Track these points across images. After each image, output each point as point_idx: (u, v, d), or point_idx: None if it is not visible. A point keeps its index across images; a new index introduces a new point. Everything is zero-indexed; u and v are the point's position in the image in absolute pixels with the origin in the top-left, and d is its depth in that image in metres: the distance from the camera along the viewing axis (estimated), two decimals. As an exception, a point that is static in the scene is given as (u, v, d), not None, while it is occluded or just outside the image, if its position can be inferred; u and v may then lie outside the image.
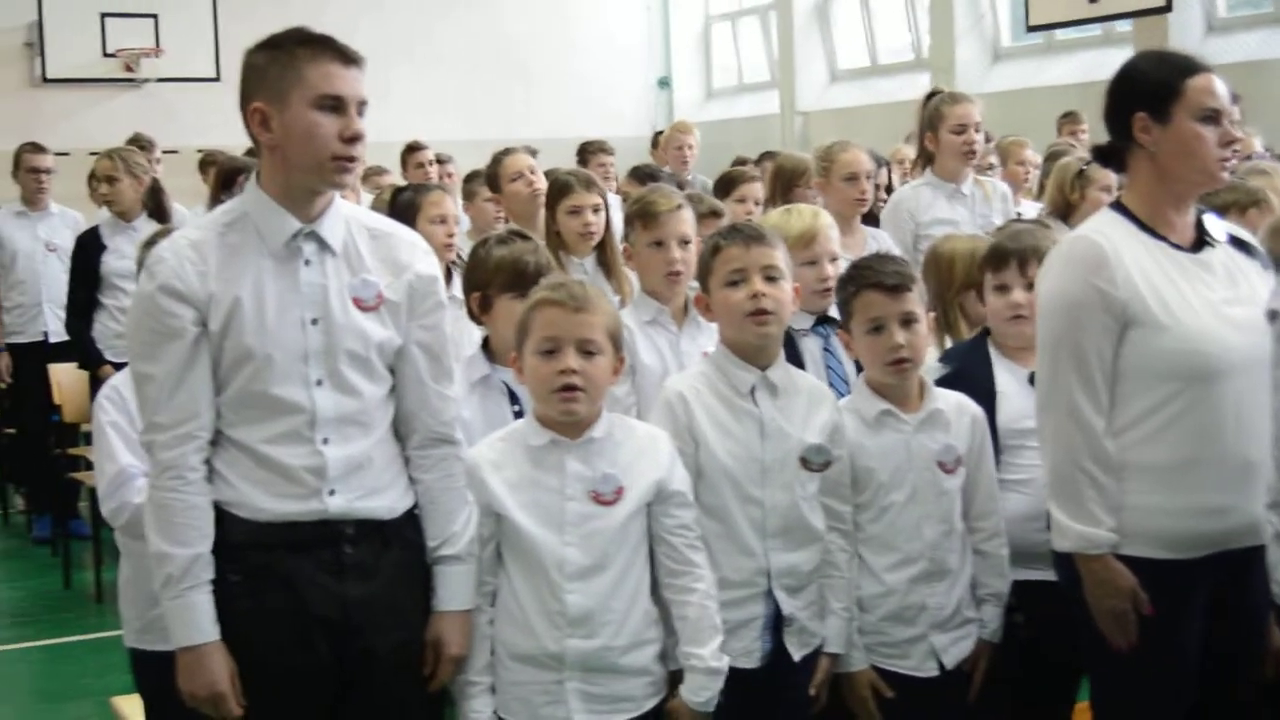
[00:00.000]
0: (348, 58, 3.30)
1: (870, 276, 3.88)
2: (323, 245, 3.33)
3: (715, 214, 5.37)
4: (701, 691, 3.49)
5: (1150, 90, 3.62)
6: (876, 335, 3.84)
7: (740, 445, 3.68)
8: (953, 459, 3.86)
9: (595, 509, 3.47)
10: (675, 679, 3.55)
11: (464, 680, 3.49)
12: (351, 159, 3.29)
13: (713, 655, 3.49)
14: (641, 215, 4.57)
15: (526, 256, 4.14)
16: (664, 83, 18.22)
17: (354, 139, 3.27)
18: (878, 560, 3.84)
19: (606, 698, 3.46)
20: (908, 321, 3.84)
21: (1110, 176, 5.99)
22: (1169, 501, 3.57)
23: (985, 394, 4.02)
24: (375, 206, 6.09)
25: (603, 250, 5.80)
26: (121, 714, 4.64)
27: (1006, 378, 4.08)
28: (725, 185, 6.81)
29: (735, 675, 3.58)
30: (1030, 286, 4.03)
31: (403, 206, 5.84)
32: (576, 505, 3.46)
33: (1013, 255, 4.15)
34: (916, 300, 3.88)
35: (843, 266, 4.28)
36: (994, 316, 4.17)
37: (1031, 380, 3.90)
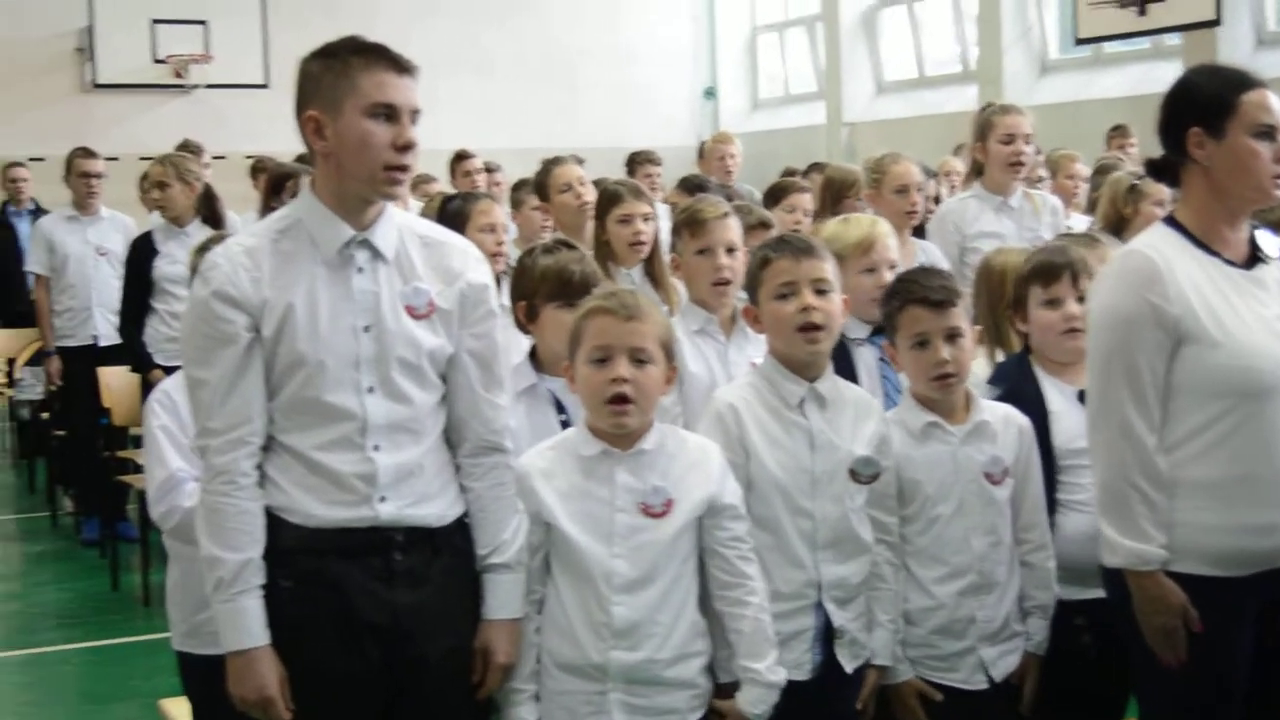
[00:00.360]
0: (401, 66, 3.30)
1: (915, 291, 3.87)
2: (375, 253, 3.34)
3: (764, 225, 5.34)
4: (759, 704, 3.49)
5: (1205, 105, 3.60)
6: (921, 350, 3.84)
7: (790, 457, 3.67)
8: (1000, 470, 3.85)
9: (644, 521, 3.46)
10: (720, 691, 3.54)
11: (509, 688, 3.48)
12: (404, 168, 3.29)
13: (769, 669, 3.49)
14: (689, 224, 4.56)
15: (572, 266, 4.13)
16: (710, 93, 18.23)
17: (407, 147, 3.27)
18: (926, 573, 3.83)
19: (649, 710, 3.45)
20: (952, 336, 3.83)
21: (1164, 191, 5.95)
22: (1220, 518, 3.55)
23: (1037, 414, 3.99)
24: (424, 214, 6.09)
25: (650, 261, 5.78)
26: (169, 716, 4.66)
27: (1056, 397, 4.05)
28: (774, 195, 6.80)
29: (786, 687, 3.56)
30: (1082, 299, 4.02)
31: (452, 215, 5.84)
32: (625, 517, 3.46)
33: (1064, 268, 4.12)
34: (961, 315, 3.87)
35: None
36: (1045, 331, 4.13)
37: (1081, 398, 3.88)
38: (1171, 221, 3.69)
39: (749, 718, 3.49)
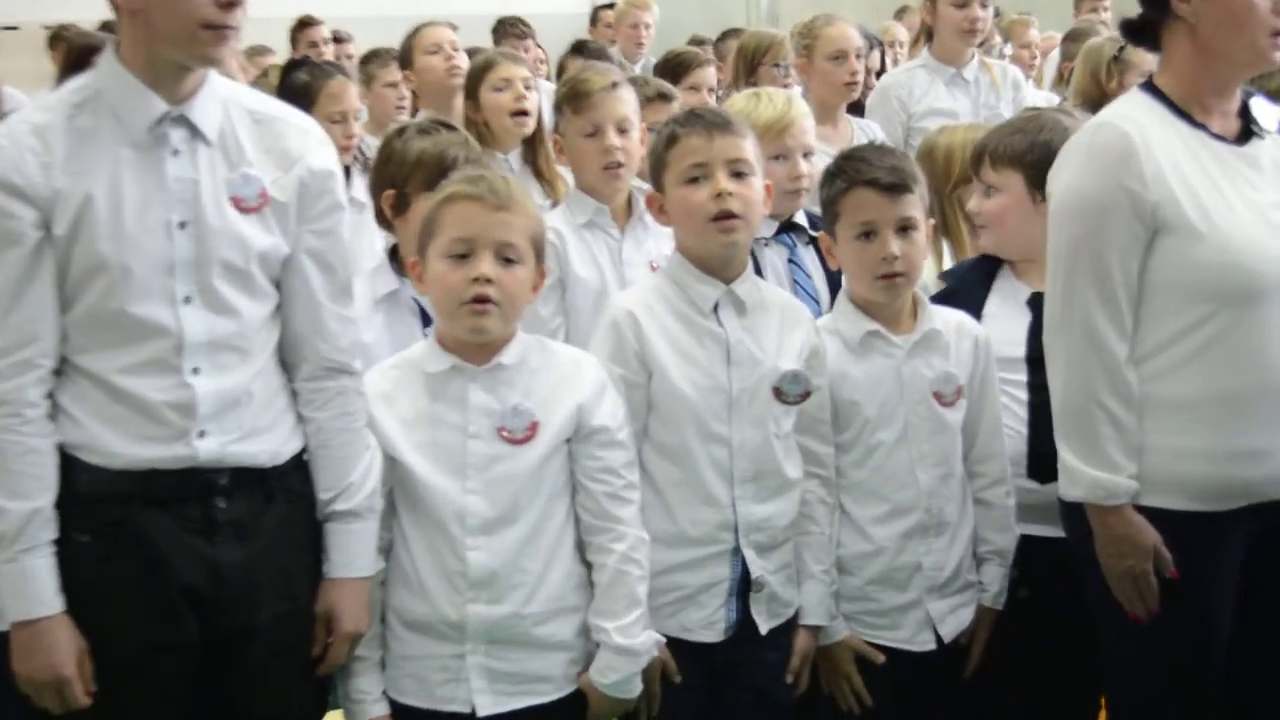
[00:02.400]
0: None
1: (864, 172, 3.84)
2: (194, 132, 3.26)
3: (665, 98, 5.33)
4: (609, 673, 3.48)
5: None
6: (866, 242, 3.81)
7: (702, 373, 3.65)
8: (952, 389, 3.86)
9: (503, 449, 3.44)
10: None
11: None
12: (228, 27, 3.21)
13: (621, 630, 3.47)
14: (572, 98, 4.52)
15: (453, 150, 4.09)
16: (604, -51, 18.10)
17: (231, 4, 3.20)
18: (864, 512, 3.83)
19: (516, 676, 3.46)
20: (905, 228, 3.81)
21: (1153, 62, 5.97)
22: (1200, 443, 3.55)
23: (970, 315, 4.02)
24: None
25: (531, 145, 5.77)
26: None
27: (1000, 299, 4.08)
28: (672, 71, 6.69)
29: (695, 651, 3.61)
30: (989, 192, 4.09)
31: (295, 91, 5.75)
32: (481, 445, 3.44)
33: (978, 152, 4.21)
34: (917, 204, 3.85)
35: (822, 163, 4.25)
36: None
37: (1031, 302, 3.93)
38: (1150, 88, 3.66)
39: (600, 688, 3.49)
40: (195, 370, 3.24)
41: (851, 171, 3.87)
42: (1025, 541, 3.93)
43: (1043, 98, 7.28)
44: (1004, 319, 4.03)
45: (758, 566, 3.68)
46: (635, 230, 4.41)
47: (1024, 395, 3.93)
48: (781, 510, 3.71)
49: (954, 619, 3.86)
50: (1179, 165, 3.53)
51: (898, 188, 3.81)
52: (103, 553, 3.21)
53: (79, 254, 3.18)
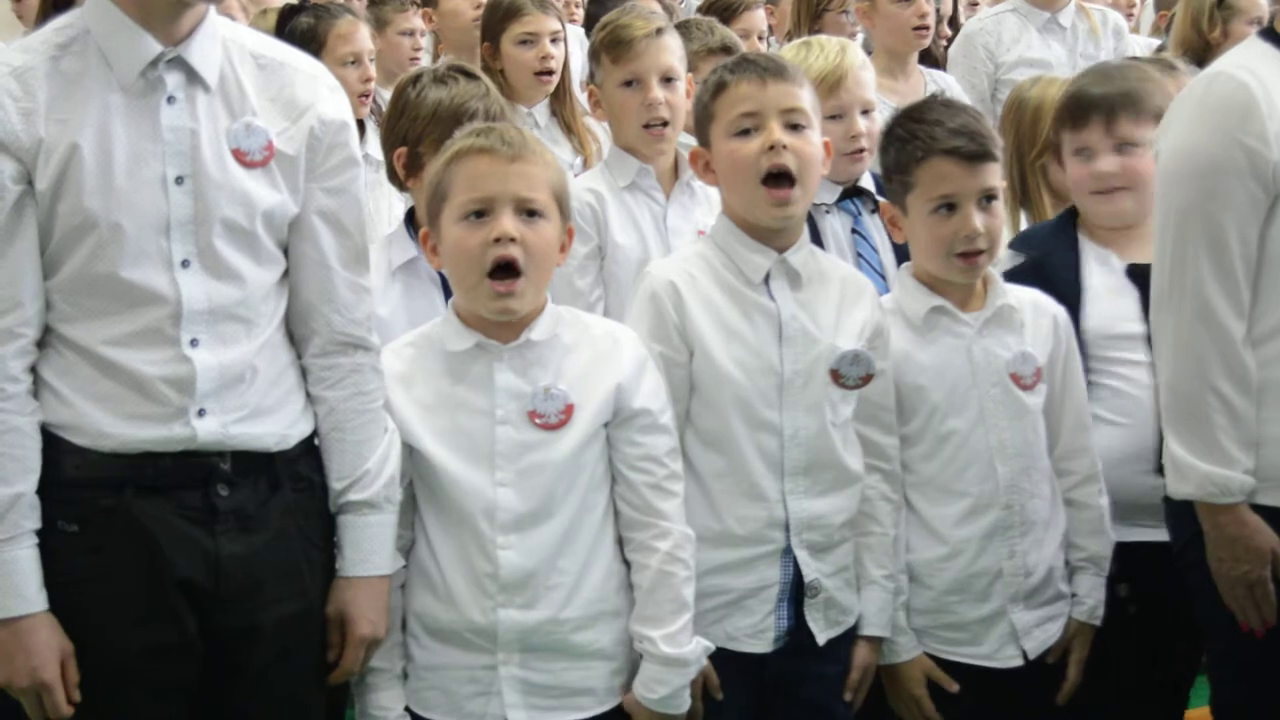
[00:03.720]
0: None
1: (941, 138, 3.80)
2: (192, 76, 3.26)
3: (729, 51, 5.20)
4: (656, 686, 3.48)
5: None
6: (945, 217, 3.78)
7: (751, 352, 3.64)
8: (1031, 371, 3.84)
9: (535, 435, 3.45)
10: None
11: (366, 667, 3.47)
12: None
13: (669, 639, 3.47)
14: (610, 45, 4.53)
15: (473, 103, 4.09)
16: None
17: None
18: (937, 511, 3.82)
19: (554, 690, 3.46)
20: (987, 199, 3.79)
21: (1261, 6, 5.94)
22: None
23: (1068, 292, 4.01)
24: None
25: (557, 97, 5.80)
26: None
27: (1098, 271, 4.07)
28: (719, 13, 6.68)
29: (742, 662, 3.61)
30: (1120, 148, 4.05)
31: (300, 36, 5.74)
32: (510, 431, 3.44)
33: (1096, 107, 4.12)
34: (998, 170, 3.83)
35: (882, 117, 4.25)
36: (1076, 189, 4.17)
37: (1131, 274, 3.93)
38: (1270, 35, 3.65)
39: (647, 704, 3.48)
40: (194, 342, 3.24)
41: (925, 138, 3.82)
42: (1149, 550, 3.90)
43: (1143, 45, 7.24)
44: (1111, 293, 4.04)
45: (811, 569, 3.67)
46: (682, 195, 4.42)
47: (1145, 378, 3.91)
48: (838, 506, 3.70)
49: (1041, 633, 3.84)
50: (1305, 119, 3.50)
51: (980, 156, 3.78)
52: (92, 544, 3.21)
53: (64, 211, 3.19)
